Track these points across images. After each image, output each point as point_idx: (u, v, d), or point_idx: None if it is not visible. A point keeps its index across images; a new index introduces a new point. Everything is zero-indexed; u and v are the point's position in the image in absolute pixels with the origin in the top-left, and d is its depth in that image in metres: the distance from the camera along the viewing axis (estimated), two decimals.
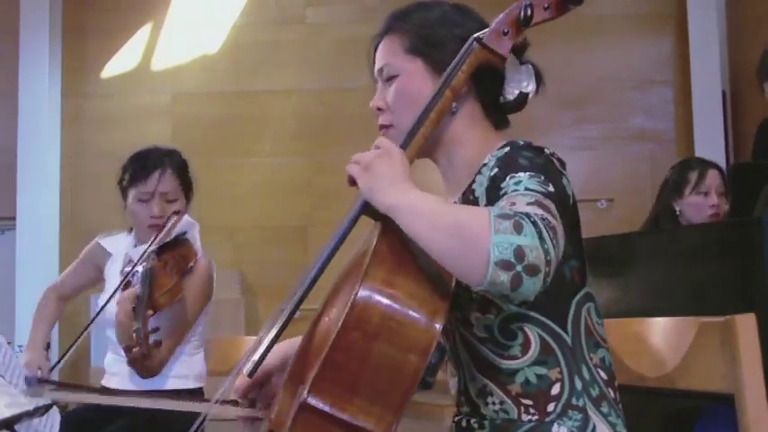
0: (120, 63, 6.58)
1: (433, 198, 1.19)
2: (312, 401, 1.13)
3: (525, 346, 1.28)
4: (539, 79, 1.42)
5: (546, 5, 1.34)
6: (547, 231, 1.08)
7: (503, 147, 1.34)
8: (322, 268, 1.31)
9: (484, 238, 1.06)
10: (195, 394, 2.45)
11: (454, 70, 1.33)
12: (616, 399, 1.34)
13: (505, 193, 1.20)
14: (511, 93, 1.39)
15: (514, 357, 1.29)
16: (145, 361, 2.14)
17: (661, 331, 1.42)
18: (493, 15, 1.39)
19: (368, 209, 1.27)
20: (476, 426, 1.35)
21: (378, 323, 1.14)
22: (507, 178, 1.22)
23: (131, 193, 2.45)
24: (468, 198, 1.35)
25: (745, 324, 1.19)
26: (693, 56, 6.00)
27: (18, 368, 1.83)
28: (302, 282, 1.33)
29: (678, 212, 3.10)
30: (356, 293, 1.15)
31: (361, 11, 6.42)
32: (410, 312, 1.15)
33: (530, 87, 1.39)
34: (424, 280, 1.19)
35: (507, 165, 1.26)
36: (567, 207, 1.26)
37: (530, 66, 1.41)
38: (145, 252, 2.30)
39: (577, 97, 6.30)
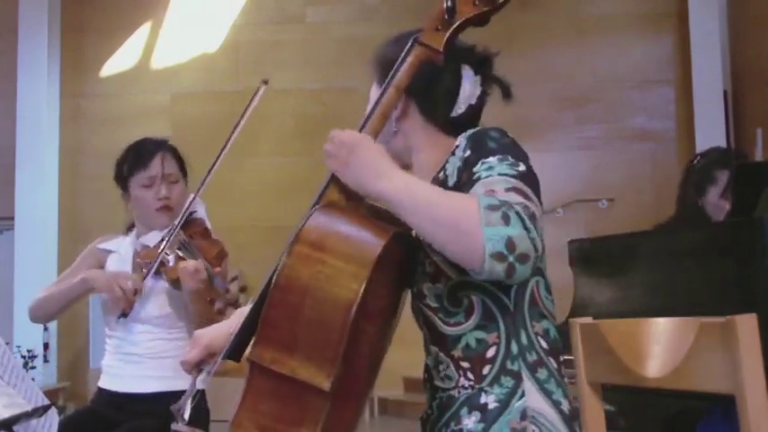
0: (119, 62, 6.57)
1: (420, 184, 1.28)
2: (256, 357, 1.23)
3: (469, 312, 1.36)
4: (504, 89, 1.48)
5: (476, 1, 1.37)
6: (530, 220, 1.19)
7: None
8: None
9: (477, 231, 1.17)
10: (202, 396, 2.44)
11: (397, 70, 1.39)
12: (560, 370, 1.38)
13: (479, 178, 1.27)
14: (460, 107, 1.45)
15: (459, 324, 1.36)
16: (237, 306, 2.23)
17: (661, 331, 1.41)
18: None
19: (332, 186, 1.35)
20: (430, 413, 1.43)
21: (304, 282, 1.23)
22: (479, 163, 1.30)
23: (134, 182, 2.45)
24: (438, 177, 1.41)
25: (746, 324, 1.18)
26: (695, 55, 6.00)
27: (17, 368, 1.81)
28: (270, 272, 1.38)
29: (701, 205, 2.83)
30: (285, 255, 1.24)
31: (361, 10, 6.42)
32: (333, 271, 1.23)
33: (473, 99, 1.46)
34: (352, 244, 1.27)
35: (478, 147, 1.35)
36: (538, 186, 1.32)
37: (478, 77, 1.47)
38: (175, 227, 2.36)
39: (578, 97, 6.30)
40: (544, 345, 1.37)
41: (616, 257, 2.61)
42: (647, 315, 1.51)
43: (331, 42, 6.39)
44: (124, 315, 2.29)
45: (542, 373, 1.34)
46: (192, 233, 2.40)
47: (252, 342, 1.25)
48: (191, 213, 2.43)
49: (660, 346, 1.40)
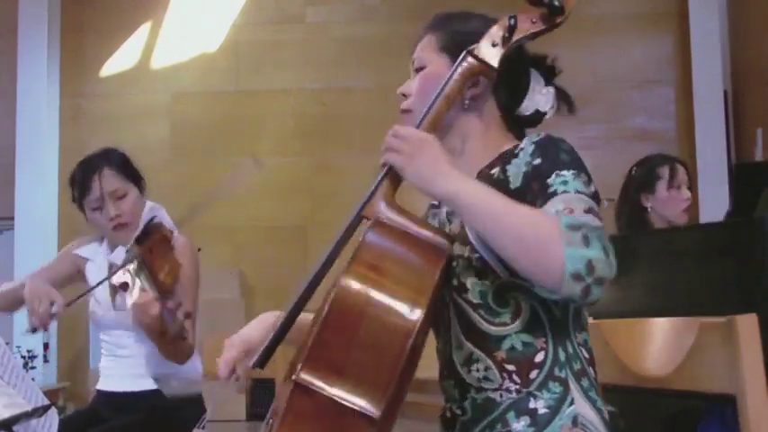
0: (119, 62, 6.57)
1: (491, 191, 1.27)
2: (303, 379, 1.18)
3: (515, 314, 1.34)
4: (569, 104, 1.54)
5: (534, 19, 1.41)
6: (608, 244, 1.20)
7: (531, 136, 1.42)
8: (329, 260, 1.35)
9: (557, 250, 1.17)
10: (196, 401, 2.43)
11: (449, 80, 1.40)
12: (596, 379, 1.39)
13: (555, 192, 1.29)
14: (527, 109, 1.49)
15: (504, 324, 1.34)
16: (183, 338, 2.11)
17: (662, 331, 1.41)
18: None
19: (386, 182, 1.34)
20: (459, 413, 1.40)
21: (362, 305, 1.21)
22: (553, 175, 1.31)
23: (86, 206, 2.48)
24: (493, 176, 1.41)
25: (746, 324, 1.18)
26: (695, 55, 5.99)
27: (17, 368, 1.81)
28: (308, 277, 1.37)
29: (649, 209, 3.06)
30: (343, 276, 1.21)
31: (361, 10, 6.41)
32: (393, 296, 1.21)
33: (546, 107, 1.50)
34: (410, 268, 1.26)
35: (550, 157, 1.35)
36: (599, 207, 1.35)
37: (552, 89, 1.52)
38: (127, 251, 2.30)
39: (578, 97, 6.22)
40: (585, 354, 1.38)
41: (616, 257, 2.60)
42: (647, 315, 1.51)
43: (331, 42, 6.38)
44: (33, 330, 2.22)
45: (585, 382, 1.35)
46: (152, 246, 2.25)
47: (300, 362, 1.20)
48: (149, 221, 2.38)
49: (660, 346, 1.40)
